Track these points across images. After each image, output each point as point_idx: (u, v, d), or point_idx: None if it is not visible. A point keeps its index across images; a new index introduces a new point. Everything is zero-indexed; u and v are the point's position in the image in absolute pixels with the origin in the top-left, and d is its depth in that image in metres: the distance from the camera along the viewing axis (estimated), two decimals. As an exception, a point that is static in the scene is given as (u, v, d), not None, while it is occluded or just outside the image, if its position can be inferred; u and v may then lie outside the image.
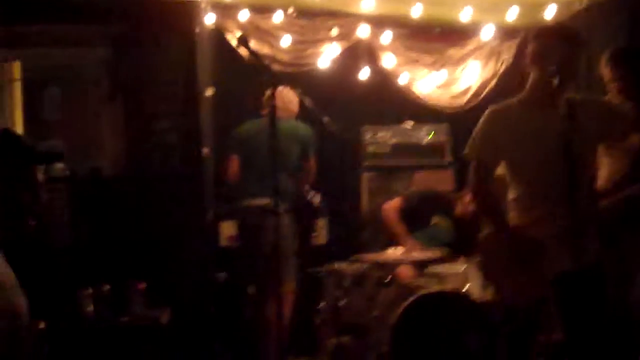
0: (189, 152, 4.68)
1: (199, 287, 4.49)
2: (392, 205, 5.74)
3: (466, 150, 3.66)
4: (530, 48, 3.52)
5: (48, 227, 4.12)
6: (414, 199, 5.82)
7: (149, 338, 4.03)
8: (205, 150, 4.84)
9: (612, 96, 4.36)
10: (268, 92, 4.64)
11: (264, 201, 4.50)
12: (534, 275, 3.37)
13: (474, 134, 3.63)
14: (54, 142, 4.68)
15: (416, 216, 5.69)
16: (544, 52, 3.42)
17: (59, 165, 4.51)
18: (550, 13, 5.96)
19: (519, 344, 3.59)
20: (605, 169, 4.30)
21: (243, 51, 5.17)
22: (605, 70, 4.37)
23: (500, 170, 3.66)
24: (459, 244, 5.56)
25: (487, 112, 3.62)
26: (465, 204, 5.54)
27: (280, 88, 4.99)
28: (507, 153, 3.53)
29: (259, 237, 4.56)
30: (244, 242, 4.92)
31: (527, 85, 3.55)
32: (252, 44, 5.75)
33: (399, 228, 5.59)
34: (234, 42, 5.84)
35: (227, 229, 5.53)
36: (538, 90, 3.48)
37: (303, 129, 5.27)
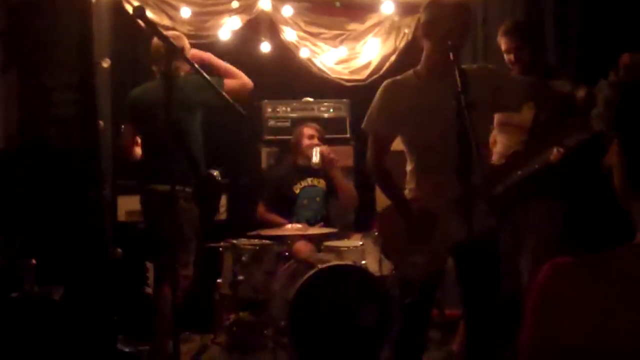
0: (86, 125, 4.56)
1: (94, 263, 4.40)
2: (259, 207, 5.78)
3: (364, 124, 3.68)
4: (421, 19, 3.52)
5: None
6: (273, 182, 5.90)
7: (41, 314, 3.93)
8: (102, 123, 4.73)
9: (509, 67, 4.48)
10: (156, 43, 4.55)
11: (164, 187, 4.34)
12: (429, 248, 3.43)
13: (371, 107, 3.64)
14: None
15: (283, 190, 5.78)
16: (435, 23, 3.42)
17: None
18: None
19: (415, 318, 3.65)
20: (500, 145, 4.42)
21: (141, 22, 5.08)
22: (501, 41, 4.48)
23: (399, 144, 3.71)
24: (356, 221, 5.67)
25: (383, 85, 3.63)
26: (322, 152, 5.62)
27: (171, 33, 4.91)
28: (403, 125, 3.55)
29: (160, 223, 4.46)
30: (145, 224, 4.81)
31: (422, 58, 3.56)
32: (151, 15, 5.67)
33: (274, 219, 5.61)
34: (132, 12, 5.73)
35: (126, 204, 5.46)
36: (432, 62, 3.50)
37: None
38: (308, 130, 5.79)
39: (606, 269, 1.41)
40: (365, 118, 3.66)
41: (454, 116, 3.10)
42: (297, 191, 5.71)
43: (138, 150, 4.88)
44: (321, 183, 5.75)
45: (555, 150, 3.92)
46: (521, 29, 4.49)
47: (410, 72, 3.62)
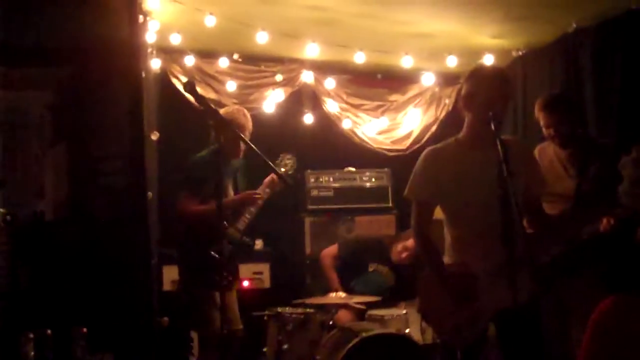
0: (134, 196, 4.66)
1: (141, 331, 4.44)
2: (328, 253, 5.85)
3: (406, 191, 3.70)
4: (462, 91, 3.58)
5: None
6: (350, 246, 5.92)
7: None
8: (150, 194, 4.83)
9: (548, 140, 4.51)
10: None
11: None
12: (471, 315, 3.42)
13: (412, 174, 3.67)
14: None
15: (353, 263, 5.79)
16: (476, 94, 3.48)
17: (0, 210, 4.46)
18: (488, 60, 6.15)
19: None
20: None
21: (190, 97, 5.23)
22: (539, 115, 4.50)
23: (438, 213, 3.74)
24: (399, 289, 5.64)
25: (424, 152, 3.67)
26: (399, 251, 5.65)
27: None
28: (445, 193, 3.56)
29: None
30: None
31: (464, 127, 3.60)
32: (198, 88, 5.83)
33: (332, 275, 5.68)
34: (179, 87, 5.90)
35: (170, 273, 5.53)
36: (474, 131, 3.54)
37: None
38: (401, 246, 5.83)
39: None
40: (408, 186, 3.69)
41: (496, 185, 3.14)
42: (370, 270, 5.82)
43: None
44: (386, 272, 5.84)
45: (605, 220, 3.92)
46: (560, 102, 4.50)
47: (452, 140, 3.65)
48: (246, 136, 4.67)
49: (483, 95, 3.45)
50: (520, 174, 3.34)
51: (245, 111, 5.07)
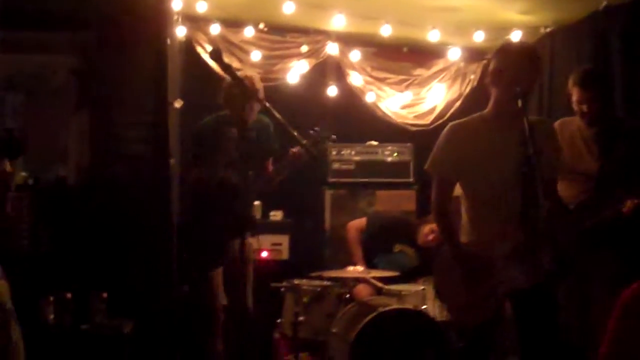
0: (156, 163, 4.67)
1: (162, 299, 4.47)
2: (355, 225, 5.82)
3: (427, 165, 3.68)
4: (491, 66, 3.55)
5: (10, 234, 4.10)
6: (378, 222, 5.87)
7: (110, 347, 4.01)
8: (173, 161, 4.84)
9: (578, 117, 4.44)
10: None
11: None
12: (484, 294, 3.40)
13: (435, 148, 3.64)
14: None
15: (380, 239, 5.75)
16: (504, 70, 3.45)
17: (23, 174, 4.48)
18: (516, 36, 6.09)
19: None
20: (562, 192, 4.38)
21: (215, 65, 5.22)
22: (573, 90, 4.42)
23: (457, 190, 3.70)
24: (422, 271, 5.63)
25: (448, 126, 3.64)
26: (425, 233, 5.61)
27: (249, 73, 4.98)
28: (465, 169, 3.54)
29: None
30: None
31: (490, 103, 3.57)
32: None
33: (356, 249, 5.66)
34: (204, 55, 5.89)
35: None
36: (500, 108, 3.51)
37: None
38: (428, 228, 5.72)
39: None
40: (429, 159, 3.66)
41: (519, 163, 3.12)
42: (396, 250, 5.78)
43: None
44: (412, 253, 5.80)
45: (629, 202, 3.89)
46: (597, 79, 4.42)
47: (477, 115, 3.63)
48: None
49: (511, 72, 3.42)
50: (543, 153, 3.28)
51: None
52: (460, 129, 3.61)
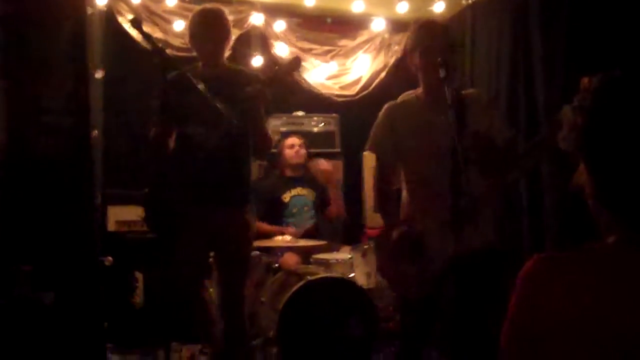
0: (78, 135, 4.59)
1: (84, 271, 4.41)
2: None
3: (367, 145, 3.75)
4: (408, 46, 3.63)
5: None
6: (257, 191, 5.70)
7: (32, 320, 3.95)
8: (95, 133, 4.76)
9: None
10: None
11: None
12: (421, 268, 3.44)
13: (373, 128, 3.71)
14: None
15: (269, 202, 5.80)
16: (417, 45, 3.52)
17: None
18: (439, 8, 6.15)
19: (413, 335, 3.68)
20: None
21: (135, 34, 5.14)
22: None
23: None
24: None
25: (384, 107, 3.70)
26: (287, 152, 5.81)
27: None
28: (401, 149, 3.61)
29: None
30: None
31: (420, 83, 3.63)
32: (144, 27, 5.72)
33: (265, 228, 5.62)
34: (125, 25, 5.79)
35: (115, 214, 5.48)
36: (428, 85, 3.57)
37: None
38: (290, 141, 5.87)
39: (586, 261, 1.51)
40: (369, 139, 3.73)
41: (447, 138, 3.16)
42: (287, 200, 5.76)
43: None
44: (310, 193, 5.81)
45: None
46: None
47: (412, 93, 3.68)
48: None
49: (426, 45, 3.48)
50: (479, 124, 3.36)
51: None
52: (396, 109, 3.68)
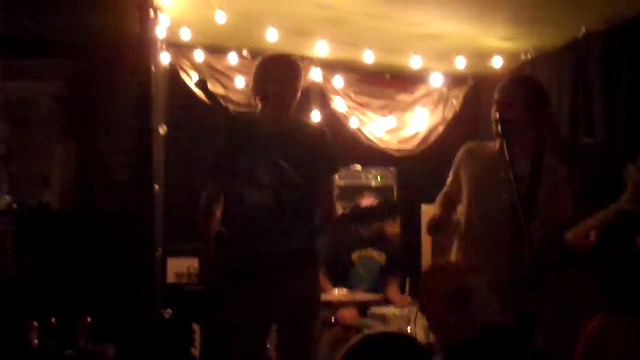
0: (140, 190, 4.69)
1: (144, 323, 4.47)
2: None
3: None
4: (495, 98, 3.52)
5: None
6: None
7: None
8: (157, 188, 4.86)
9: None
10: None
11: None
12: (464, 316, 3.35)
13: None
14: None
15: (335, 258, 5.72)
16: (508, 103, 3.45)
17: (6, 199, 4.50)
18: (497, 63, 6.16)
19: None
20: None
21: (201, 94, 5.26)
22: None
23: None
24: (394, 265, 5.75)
25: (462, 147, 3.67)
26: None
27: None
28: (466, 191, 3.56)
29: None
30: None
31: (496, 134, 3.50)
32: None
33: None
34: (188, 82, 5.94)
35: (174, 266, 5.56)
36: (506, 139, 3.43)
37: None
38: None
39: None
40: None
41: (516, 196, 3.08)
42: (355, 259, 5.76)
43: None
44: (382, 257, 5.80)
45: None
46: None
47: (492, 142, 3.55)
48: None
49: (493, 100, 3.47)
50: (542, 188, 3.33)
51: None
52: (470, 150, 3.64)
